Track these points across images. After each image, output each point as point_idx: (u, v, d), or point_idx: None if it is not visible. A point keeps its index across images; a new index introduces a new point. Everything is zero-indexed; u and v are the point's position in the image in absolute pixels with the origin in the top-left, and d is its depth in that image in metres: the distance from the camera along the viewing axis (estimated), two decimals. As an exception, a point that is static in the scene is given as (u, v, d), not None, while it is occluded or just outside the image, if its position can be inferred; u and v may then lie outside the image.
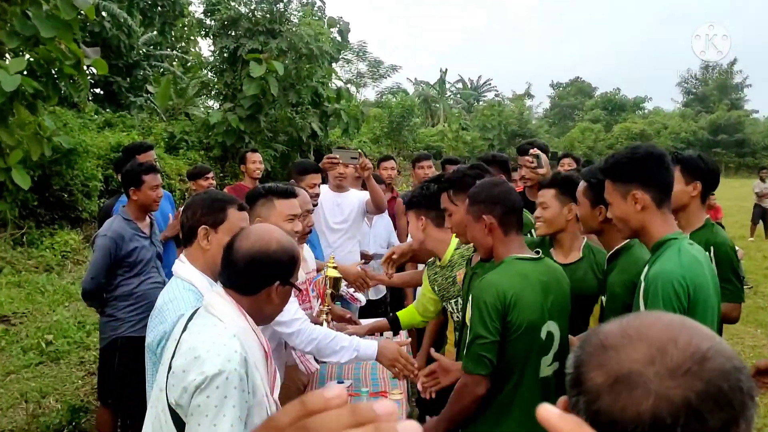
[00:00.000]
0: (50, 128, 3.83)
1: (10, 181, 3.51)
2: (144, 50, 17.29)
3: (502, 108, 42.08)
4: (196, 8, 20.81)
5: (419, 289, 3.49)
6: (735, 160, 46.95)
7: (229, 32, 15.48)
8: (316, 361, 3.02)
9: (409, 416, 3.18)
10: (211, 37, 16.00)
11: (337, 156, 4.36)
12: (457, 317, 2.96)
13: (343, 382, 3.21)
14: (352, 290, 3.90)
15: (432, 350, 2.87)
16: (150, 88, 16.96)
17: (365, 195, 4.80)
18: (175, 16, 18.43)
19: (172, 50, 20.16)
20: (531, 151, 3.77)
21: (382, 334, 3.74)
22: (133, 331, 3.77)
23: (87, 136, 11.32)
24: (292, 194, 2.83)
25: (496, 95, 57.48)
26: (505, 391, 2.26)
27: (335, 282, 3.26)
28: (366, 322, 3.49)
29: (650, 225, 2.16)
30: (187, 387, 1.62)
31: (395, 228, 5.44)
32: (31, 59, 3.61)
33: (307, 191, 3.37)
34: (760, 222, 13.84)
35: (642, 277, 2.09)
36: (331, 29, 17.64)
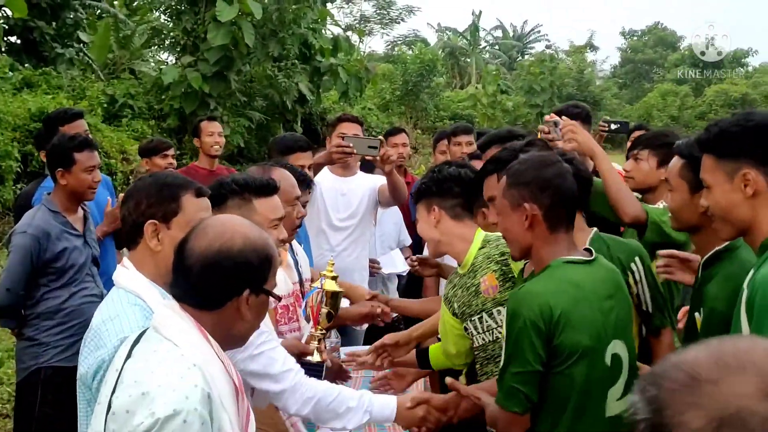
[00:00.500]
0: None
1: None
2: (75, -15, 17.33)
3: (556, 64, 41.86)
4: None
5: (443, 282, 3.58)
6: None
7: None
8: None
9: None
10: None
11: (351, 145, 4.40)
12: (484, 340, 2.98)
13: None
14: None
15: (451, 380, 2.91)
16: (83, 36, 16.98)
17: (378, 180, 4.82)
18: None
19: (113, -15, 20.20)
20: (546, 117, 3.80)
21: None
22: (61, 359, 3.79)
23: (-1, 99, 11.38)
24: (274, 189, 2.80)
25: (548, 47, 57.28)
26: None
27: (333, 298, 3.26)
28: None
29: (761, 216, 2.15)
30: (133, 433, 1.64)
31: (409, 222, 5.40)
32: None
33: None
34: None
35: (745, 284, 2.10)
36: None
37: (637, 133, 5.60)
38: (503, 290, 2.89)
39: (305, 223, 3.78)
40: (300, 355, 3.06)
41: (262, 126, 15.51)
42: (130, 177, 11.64)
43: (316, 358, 3.08)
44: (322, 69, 15.69)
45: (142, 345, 1.83)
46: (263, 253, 1.86)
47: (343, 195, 4.81)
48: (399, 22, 46.45)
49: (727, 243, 2.55)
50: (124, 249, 2.51)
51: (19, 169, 11.01)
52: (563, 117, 3.70)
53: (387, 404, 2.67)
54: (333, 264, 3.35)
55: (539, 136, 3.73)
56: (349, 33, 18.85)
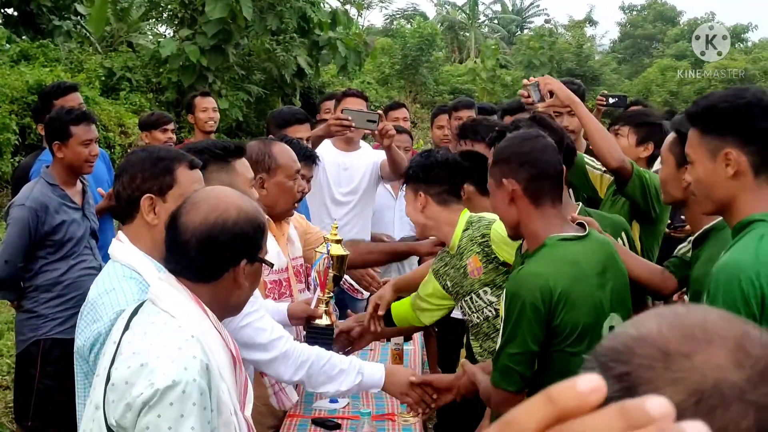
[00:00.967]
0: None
1: None
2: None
3: (555, 39, 41.65)
4: None
5: None
6: None
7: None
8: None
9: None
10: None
11: (349, 118, 4.38)
12: (479, 318, 3.01)
13: (337, 402, 3.25)
14: (351, 280, 3.92)
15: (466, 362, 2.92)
16: (81, 9, 16.85)
17: (379, 155, 4.81)
18: None
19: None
20: (525, 81, 3.79)
21: (388, 340, 3.77)
22: (59, 331, 3.80)
23: (-4, 72, 11.32)
24: (244, 151, 2.85)
25: (547, 21, 56.84)
26: None
27: (340, 262, 3.22)
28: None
29: (739, 198, 2.08)
30: (132, 403, 1.65)
31: None
32: None
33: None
34: None
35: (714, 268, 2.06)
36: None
37: (633, 109, 5.61)
38: (487, 271, 2.93)
39: (306, 198, 3.76)
40: (309, 319, 3.08)
41: (261, 100, 15.42)
42: (128, 150, 11.60)
43: (325, 321, 3.08)
44: (321, 43, 15.59)
45: (139, 317, 1.84)
46: (256, 222, 1.87)
47: (346, 169, 4.80)
48: (398, -4, 46.17)
49: (714, 222, 2.50)
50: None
51: (17, 142, 10.98)
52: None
53: (376, 369, 2.71)
54: (337, 227, 3.28)
55: (521, 100, 3.77)
56: (347, 6, 18.71)
